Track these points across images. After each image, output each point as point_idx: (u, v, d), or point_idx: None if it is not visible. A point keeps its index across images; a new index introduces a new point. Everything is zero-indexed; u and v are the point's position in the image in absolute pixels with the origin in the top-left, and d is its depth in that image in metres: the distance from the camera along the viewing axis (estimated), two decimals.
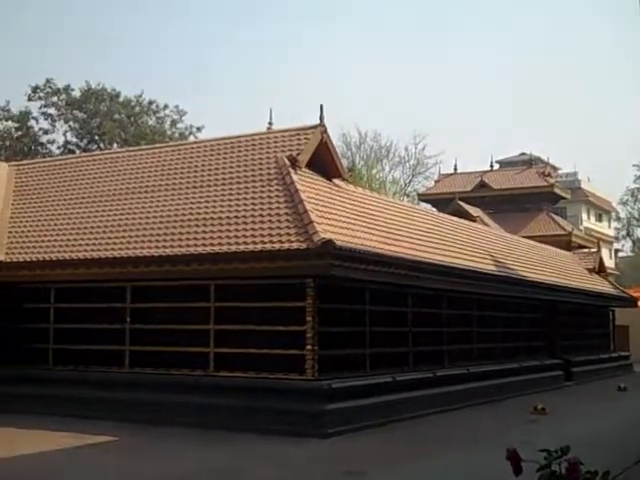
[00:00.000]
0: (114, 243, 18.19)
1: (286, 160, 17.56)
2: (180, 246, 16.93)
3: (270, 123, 20.78)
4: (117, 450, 13.83)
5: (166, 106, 50.17)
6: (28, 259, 18.88)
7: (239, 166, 18.68)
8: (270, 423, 15.06)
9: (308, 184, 17.59)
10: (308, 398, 15.20)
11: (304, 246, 15.14)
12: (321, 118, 18.34)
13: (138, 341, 17.66)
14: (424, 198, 50.84)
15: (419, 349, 19.30)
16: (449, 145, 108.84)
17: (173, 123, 50.81)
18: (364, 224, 18.27)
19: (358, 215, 18.63)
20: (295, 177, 17.13)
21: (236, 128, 28.67)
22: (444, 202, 42.67)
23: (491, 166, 51.30)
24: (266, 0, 79.51)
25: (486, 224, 37.71)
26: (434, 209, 39.89)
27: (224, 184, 18.29)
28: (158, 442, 14.52)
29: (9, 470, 11.84)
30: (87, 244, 18.63)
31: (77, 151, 47.20)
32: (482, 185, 46.72)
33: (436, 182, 51.94)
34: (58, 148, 49.94)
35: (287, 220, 16.06)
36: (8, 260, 19.13)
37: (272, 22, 72.72)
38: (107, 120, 48.37)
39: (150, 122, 50.51)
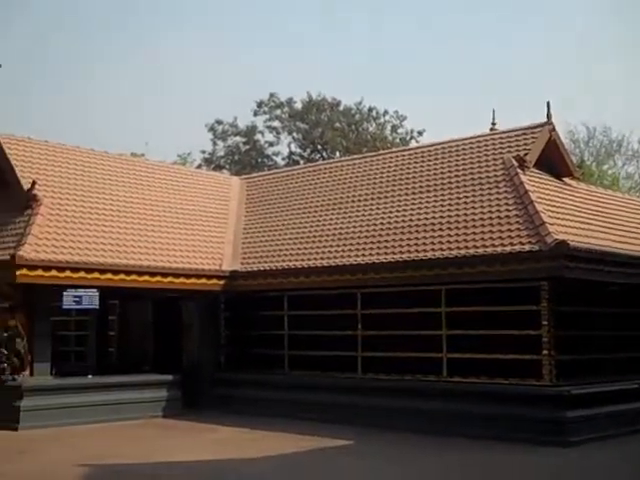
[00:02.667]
0: (342, 251, 18.54)
1: (513, 160, 17.13)
2: (409, 252, 16.95)
3: (493, 123, 20.37)
4: (355, 453, 14.05)
5: (386, 112, 50.57)
6: (262, 268, 19.67)
7: (464, 169, 18.43)
8: (507, 430, 14.69)
9: (537, 184, 17.06)
10: (546, 405, 14.70)
11: (537, 248, 14.69)
12: (548, 116, 17.77)
13: (369, 347, 17.88)
14: None
15: None
16: None
17: (394, 128, 51.14)
18: (598, 223, 17.47)
19: (591, 214, 17.85)
20: (524, 177, 16.66)
21: (456, 130, 28.25)
22: None
23: None
24: None
25: None
26: None
27: (450, 187, 18.12)
28: (392, 446, 14.60)
29: (256, 469, 12.43)
30: (316, 252, 19.13)
31: (301, 161, 48.73)
32: None
33: None
34: (283, 159, 51.83)
35: (517, 222, 15.66)
36: (243, 270, 20.06)
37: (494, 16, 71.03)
38: (328, 129, 49.54)
39: (370, 129, 51.13)
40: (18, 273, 16.28)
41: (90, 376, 18.72)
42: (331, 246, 19.00)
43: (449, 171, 18.74)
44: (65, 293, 17.56)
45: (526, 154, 17.20)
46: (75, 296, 17.68)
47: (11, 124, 49.81)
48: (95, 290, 17.84)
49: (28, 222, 17.54)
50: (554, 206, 16.47)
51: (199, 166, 49.96)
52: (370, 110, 51.21)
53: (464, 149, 19.19)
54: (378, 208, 19.26)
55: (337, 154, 48.67)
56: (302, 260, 19.13)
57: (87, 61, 75.46)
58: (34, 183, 18.16)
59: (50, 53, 75.84)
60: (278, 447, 14.42)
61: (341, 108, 51.15)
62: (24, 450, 14.24)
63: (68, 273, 17.07)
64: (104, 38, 76.58)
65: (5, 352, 17.31)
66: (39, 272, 16.59)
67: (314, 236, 19.85)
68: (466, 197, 17.43)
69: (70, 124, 67.93)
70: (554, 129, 17.98)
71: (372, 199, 19.79)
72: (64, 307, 18.06)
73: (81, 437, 15.77)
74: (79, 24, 77.51)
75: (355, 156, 26.43)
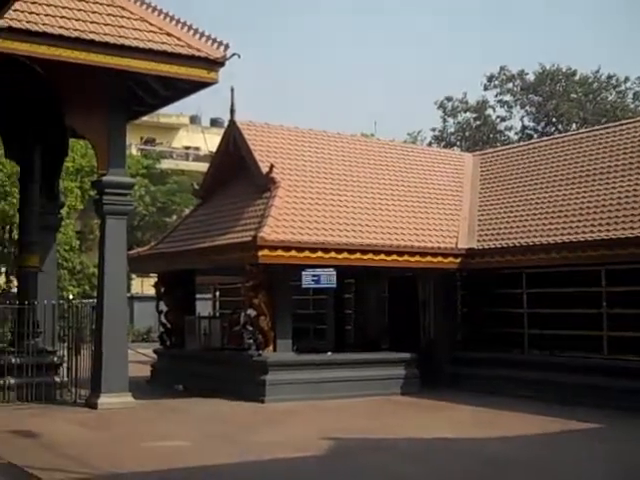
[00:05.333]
0: (584, 226, 17.67)
1: None
2: None
3: None
4: (608, 439, 13.15)
5: (627, 79, 47.75)
6: (499, 245, 19.18)
7: None
8: None
9: None
10: None
11: None
12: None
13: (616, 326, 16.91)
14: None
15: None
16: None
17: (636, 96, 48.16)
18: None
19: None
20: None
21: None
22: None
23: None
24: None
25: None
26: None
27: None
28: None
29: (503, 449, 12.04)
30: (555, 228, 18.38)
31: (534, 135, 47.11)
32: None
33: None
34: (516, 134, 50.44)
35: None
36: (480, 247, 19.67)
37: None
38: (564, 101, 47.55)
39: (610, 98, 48.50)
40: (260, 254, 16.96)
41: (329, 353, 19.20)
42: (572, 222, 18.15)
43: None
44: (304, 272, 18.07)
45: None
46: (314, 275, 18.14)
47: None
48: (332, 269, 18.22)
49: (267, 204, 18.22)
50: None
51: (429, 144, 49.84)
52: (609, 78, 48.50)
53: None
54: (622, 181, 18.14)
55: (573, 126, 46.59)
56: (540, 236, 18.43)
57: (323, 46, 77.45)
58: (272, 167, 18.83)
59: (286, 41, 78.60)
60: (521, 428, 14.00)
61: (577, 78, 48.87)
62: (273, 422, 14.89)
63: (307, 253, 17.56)
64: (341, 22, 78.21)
65: (250, 329, 18.13)
66: (279, 252, 17.19)
67: (553, 212, 19.07)
68: None
69: (299, 107, 70.18)
70: None
71: (615, 171, 18.68)
72: (303, 286, 18.60)
73: (322, 411, 16.21)
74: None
75: (595, 127, 25.11)
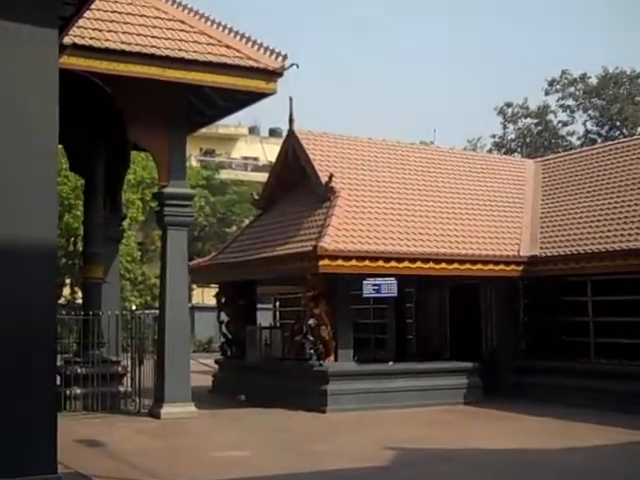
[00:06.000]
0: None
1: None
2: None
3: None
4: None
5: None
6: (562, 252, 18.85)
7: None
8: None
9: None
10: None
11: None
12: None
13: None
14: None
15: None
16: None
17: None
18: None
19: None
20: None
21: None
22: None
23: None
24: None
25: None
26: None
27: None
28: None
29: (567, 460, 11.83)
30: (621, 234, 17.97)
31: (598, 140, 46.30)
32: None
33: None
34: (578, 139, 49.61)
35: None
36: (543, 255, 19.36)
37: None
38: (628, 104, 46.63)
39: None
40: (320, 263, 16.95)
41: (390, 363, 19.09)
42: (637, 227, 17.73)
43: None
44: (365, 282, 18.00)
45: None
46: (374, 285, 18.05)
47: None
48: (393, 278, 18.12)
49: (327, 214, 18.22)
50: None
51: (489, 151, 49.36)
52: None
53: None
54: None
55: (638, 130, 45.65)
56: (605, 243, 18.05)
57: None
58: (331, 176, 18.83)
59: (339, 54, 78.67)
60: (588, 438, 13.69)
61: None
62: (335, 432, 14.85)
63: (367, 262, 17.50)
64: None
65: (311, 339, 18.13)
66: (339, 262, 17.16)
67: (618, 218, 18.66)
68: None
69: (357, 115, 70.14)
70: None
71: None
72: (364, 295, 18.52)
73: (385, 421, 16.11)
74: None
75: None
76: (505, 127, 51.09)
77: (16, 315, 5.50)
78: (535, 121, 50.46)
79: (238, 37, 16.51)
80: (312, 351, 18.00)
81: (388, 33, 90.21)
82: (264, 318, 26.29)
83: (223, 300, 22.35)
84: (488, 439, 13.85)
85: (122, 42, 14.97)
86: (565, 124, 50.48)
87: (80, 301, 23.38)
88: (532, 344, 19.93)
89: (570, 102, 49.70)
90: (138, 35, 15.42)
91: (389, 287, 18.13)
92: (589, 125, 49.75)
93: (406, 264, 17.93)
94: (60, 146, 19.58)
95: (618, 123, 48.13)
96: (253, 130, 59.81)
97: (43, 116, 5.73)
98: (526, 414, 16.58)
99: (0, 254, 5.49)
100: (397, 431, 14.98)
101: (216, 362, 22.99)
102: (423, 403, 17.73)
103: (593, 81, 48.82)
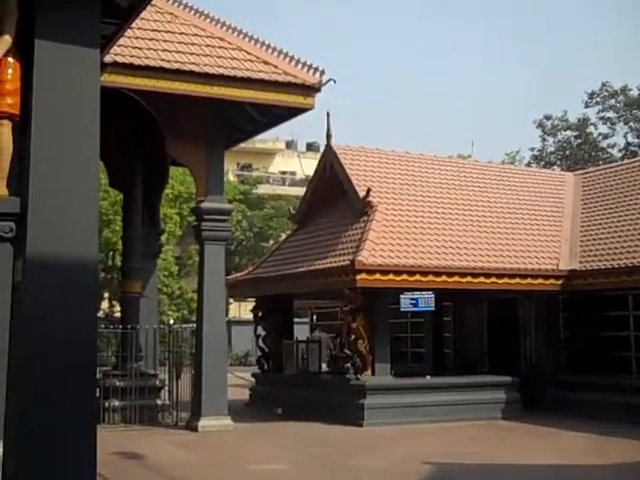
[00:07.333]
0: None
1: None
2: None
3: None
4: None
5: None
6: (602, 266, 18.65)
7: None
8: None
9: None
10: None
11: None
12: None
13: None
14: None
15: None
16: None
17: None
18: None
19: None
20: None
21: None
22: None
23: None
24: None
25: None
26: None
27: None
28: None
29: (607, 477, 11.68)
30: None
31: (639, 152, 45.79)
32: None
33: None
34: (619, 151, 49.04)
35: None
36: (582, 269, 19.17)
37: None
38: None
39: None
40: (358, 277, 16.96)
41: (428, 377, 19.00)
42: None
43: None
44: (402, 296, 17.98)
45: None
46: (412, 299, 18.03)
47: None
48: (430, 292, 18.06)
49: (365, 228, 18.24)
50: None
51: (528, 164, 49.00)
52: None
53: None
54: None
55: None
56: None
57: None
58: (369, 190, 18.86)
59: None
60: (626, 455, 13.47)
61: None
62: (372, 446, 14.80)
63: (404, 276, 17.48)
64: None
65: (349, 353, 18.12)
66: (377, 276, 17.16)
67: None
68: None
69: (394, 130, 70.20)
70: None
71: None
72: (402, 309, 18.49)
73: (422, 435, 16.03)
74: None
75: None
76: (544, 140, 50.72)
77: (59, 328, 5.59)
78: (575, 134, 50.00)
79: (276, 53, 16.65)
80: (349, 365, 17.99)
81: (423, 42, 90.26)
82: (301, 332, 26.32)
83: (260, 314, 22.42)
84: (526, 455, 13.71)
85: (162, 59, 15.18)
86: (606, 136, 49.96)
87: (118, 314, 23.61)
88: (572, 359, 19.70)
89: (611, 114, 49.20)
90: (177, 52, 15.63)
91: (426, 301, 18.09)
92: (630, 137, 49.17)
93: (444, 278, 17.88)
94: (100, 162, 19.85)
95: None
96: (290, 144, 60.05)
97: (85, 133, 5.83)
98: (565, 429, 16.39)
99: (46, 268, 5.59)
100: (434, 446, 14.89)
101: (253, 375, 23.05)
102: (461, 417, 17.61)
103: (634, 93, 48.29)
